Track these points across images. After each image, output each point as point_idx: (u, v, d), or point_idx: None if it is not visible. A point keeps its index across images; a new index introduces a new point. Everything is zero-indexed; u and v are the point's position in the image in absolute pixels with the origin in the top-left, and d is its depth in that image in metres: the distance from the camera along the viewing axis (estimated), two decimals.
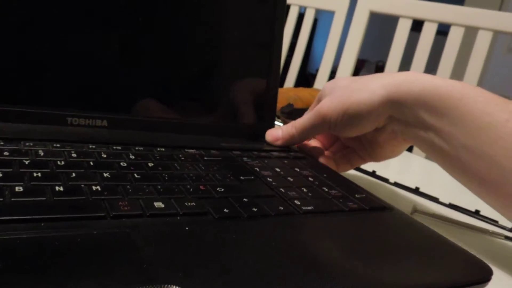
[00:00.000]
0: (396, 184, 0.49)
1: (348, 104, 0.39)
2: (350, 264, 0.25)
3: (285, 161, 0.40)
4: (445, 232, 0.30)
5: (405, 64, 0.97)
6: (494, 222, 0.42)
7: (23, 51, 0.36)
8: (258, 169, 0.36)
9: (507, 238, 0.40)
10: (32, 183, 0.27)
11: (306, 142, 0.46)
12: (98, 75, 0.39)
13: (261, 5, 0.46)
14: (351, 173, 0.50)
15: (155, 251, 0.22)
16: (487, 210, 0.43)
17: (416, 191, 0.48)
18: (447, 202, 0.46)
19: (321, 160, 0.43)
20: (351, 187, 0.36)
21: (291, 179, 0.36)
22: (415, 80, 0.36)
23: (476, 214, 0.44)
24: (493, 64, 2.35)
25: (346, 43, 1.04)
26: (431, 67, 0.90)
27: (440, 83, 0.35)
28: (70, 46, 0.38)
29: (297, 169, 0.38)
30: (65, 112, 0.37)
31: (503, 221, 0.41)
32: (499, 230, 0.41)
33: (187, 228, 0.25)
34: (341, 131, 0.41)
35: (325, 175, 0.38)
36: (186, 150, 0.38)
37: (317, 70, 1.13)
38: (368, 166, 0.49)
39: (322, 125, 0.41)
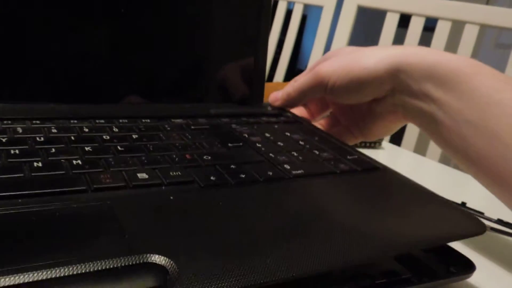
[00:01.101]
0: None
1: (350, 67, 0.38)
2: (342, 225, 0.24)
3: (275, 126, 0.39)
4: None
5: None
6: (480, 214, 0.41)
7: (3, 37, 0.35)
8: (247, 136, 0.35)
9: (492, 229, 0.39)
10: (9, 160, 0.26)
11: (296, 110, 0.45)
12: (81, 52, 0.38)
13: None
14: None
15: (137, 222, 0.22)
16: (473, 202, 0.42)
17: None
18: None
19: None
20: (343, 149, 0.35)
21: (281, 144, 0.35)
22: (426, 53, 0.35)
23: (462, 206, 0.43)
24: (481, 59, 2.33)
25: (334, 38, 1.02)
26: None
27: (451, 57, 0.34)
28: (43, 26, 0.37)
29: (288, 134, 0.37)
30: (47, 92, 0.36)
31: (489, 213, 0.41)
32: (485, 222, 0.40)
33: (171, 198, 0.24)
34: (337, 95, 0.40)
35: (316, 138, 0.37)
36: (172, 120, 0.37)
37: (306, 67, 1.11)
38: None
39: (319, 86, 0.40)
